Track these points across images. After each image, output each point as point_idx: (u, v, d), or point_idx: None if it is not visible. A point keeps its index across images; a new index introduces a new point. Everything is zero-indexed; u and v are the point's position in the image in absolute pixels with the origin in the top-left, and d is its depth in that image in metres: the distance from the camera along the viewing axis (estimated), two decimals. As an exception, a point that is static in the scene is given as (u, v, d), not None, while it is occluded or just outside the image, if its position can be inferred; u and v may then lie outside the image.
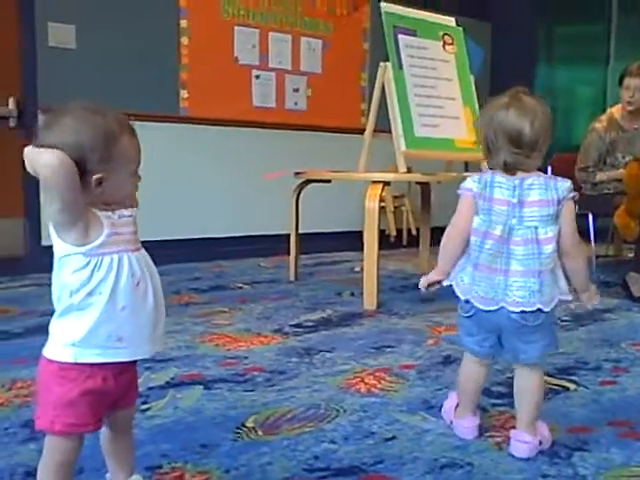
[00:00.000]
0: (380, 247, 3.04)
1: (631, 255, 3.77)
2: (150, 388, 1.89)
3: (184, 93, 4.72)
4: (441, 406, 1.74)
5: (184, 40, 4.69)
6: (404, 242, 5.49)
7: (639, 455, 1.51)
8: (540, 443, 1.49)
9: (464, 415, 1.59)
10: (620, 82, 3.64)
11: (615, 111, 3.73)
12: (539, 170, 1.45)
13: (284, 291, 3.43)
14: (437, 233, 4.55)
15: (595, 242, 3.95)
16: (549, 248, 1.39)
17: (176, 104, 4.69)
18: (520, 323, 1.42)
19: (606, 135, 3.65)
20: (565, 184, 1.41)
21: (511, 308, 1.41)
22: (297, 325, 2.70)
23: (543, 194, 1.39)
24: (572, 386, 1.98)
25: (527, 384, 1.49)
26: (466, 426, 1.58)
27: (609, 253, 4.75)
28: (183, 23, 4.68)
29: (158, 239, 4.51)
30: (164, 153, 4.53)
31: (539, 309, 1.40)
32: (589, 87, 6.13)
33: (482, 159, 3.70)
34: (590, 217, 3.87)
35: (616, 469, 1.44)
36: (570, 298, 1.44)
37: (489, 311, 1.43)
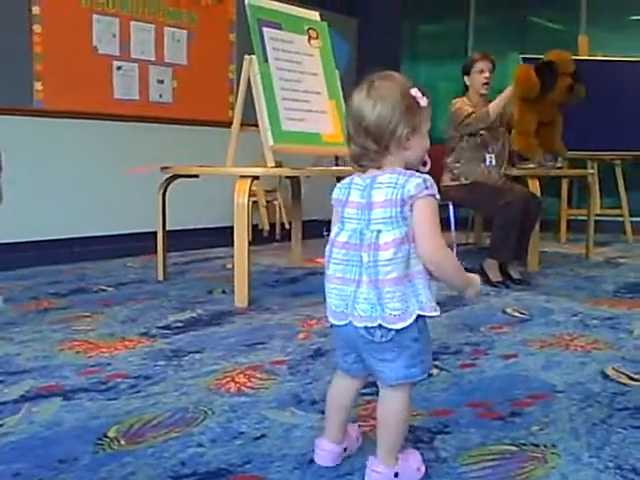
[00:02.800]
0: (253, 242, 3.03)
1: (489, 242, 4.00)
2: (2, 403, 1.76)
3: (38, 85, 4.44)
4: (313, 401, 1.75)
5: (37, 28, 4.41)
6: (277, 236, 5.51)
7: (495, 434, 1.60)
8: (396, 475, 1.33)
9: (325, 436, 1.43)
10: (466, 72, 3.83)
11: (465, 100, 3.88)
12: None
13: (152, 291, 3.33)
14: (309, 226, 4.64)
15: (456, 230, 4.15)
16: (388, 254, 1.22)
17: (30, 96, 4.41)
18: (367, 339, 1.27)
19: (469, 109, 3.74)
20: (414, 181, 1.23)
21: (355, 323, 1.27)
22: (165, 327, 2.62)
23: (389, 193, 1.24)
24: (435, 371, 2.06)
25: (386, 408, 1.34)
26: (323, 448, 1.42)
27: (469, 241, 5.04)
28: (35, 10, 4.40)
29: (12, 241, 4.23)
30: (17, 149, 4.23)
31: (380, 325, 1.25)
32: (449, 83, 6.44)
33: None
34: (450, 206, 4.04)
35: (474, 449, 1.51)
36: (436, 314, 1.28)
37: (340, 326, 1.31)
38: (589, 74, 5.48)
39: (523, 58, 5.37)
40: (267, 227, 5.51)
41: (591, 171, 4.87)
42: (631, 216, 5.65)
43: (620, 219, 5.66)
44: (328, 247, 1.33)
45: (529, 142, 3.53)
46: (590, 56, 5.68)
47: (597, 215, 4.84)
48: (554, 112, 3.56)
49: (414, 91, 1.29)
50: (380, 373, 1.31)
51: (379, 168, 1.29)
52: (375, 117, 1.26)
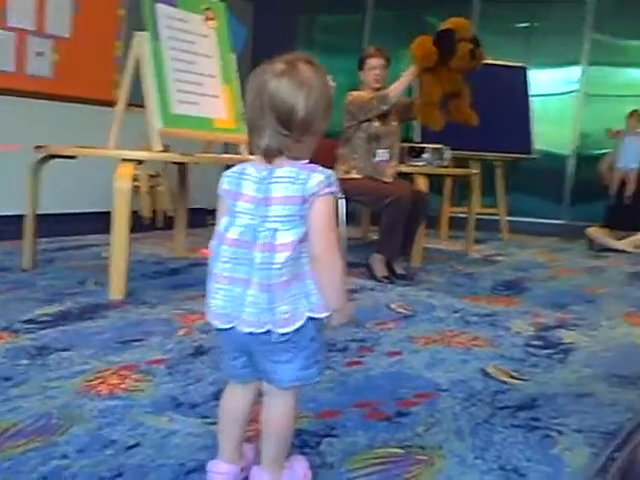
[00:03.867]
0: (133, 229, 2.85)
1: (376, 237, 4.03)
2: None
3: None
4: (194, 404, 1.64)
5: None
6: (159, 224, 5.28)
7: (381, 436, 1.57)
8: None
9: (220, 456, 1.30)
10: (361, 66, 3.83)
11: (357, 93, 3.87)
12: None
13: (16, 281, 3.05)
14: (195, 215, 4.47)
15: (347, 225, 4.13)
16: (282, 256, 1.14)
17: None
18: (262, 339, 1.18)
19: (364, 95, 3.73)
20: (317, 177, 1.14)
21: (241, 328, 1.18)
22: (30, 321, 2.39)
23: (289, 189, 1.15)
24: (322, 370, 2.01)
25: (272, 413, 1.25)
26: (218, 471, 1.29)
27: (357, 236, 5.06)
28: None
29: None
30: None
31: (270, 331, 1.16)
32: (345, 75, 6.45)
33: (243, 141, 3.70)
34: (343, 201, 4.01)
35: (361, 453, 1.47)
36: (326, 315, 1.20)
37: (226, 329, 1.21)
38: (476, 75, 5.71)
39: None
40: (149, 214, 5.26)
41: (475, 171, 5.03)
42: (508, 215, 5.93)
43: (497, 217, 5.91)
44: (215, 243, 1.22)
45: (433, 113, 3.47)
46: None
47: (477, 213, 5.01)
48: (459, 81, 3.51)
49: (330, 80, 1.22)
50: (273, 375, 1.22)
51: (295, 159, 1.19)
52: (303, 107, 1.15)
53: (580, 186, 6.64)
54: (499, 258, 4.70)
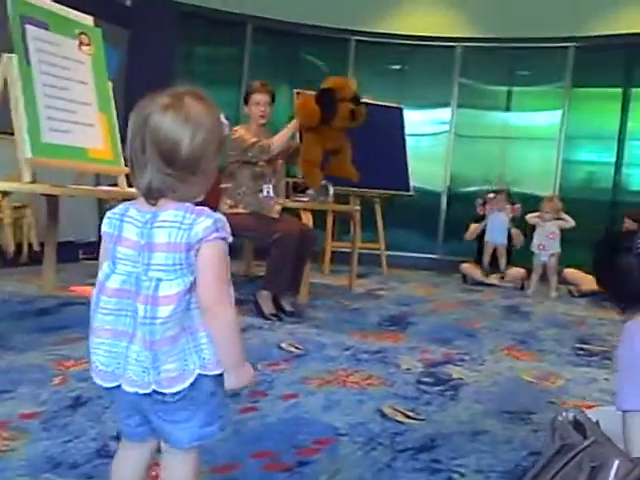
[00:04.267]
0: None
1: (261, 273, 3.96)
2: None
3: None
4: (74, 464, 1.47)
5: None
6: (24, 259, 4.88)
7: (284, 490, 1.49)
8: None
9: None
10: (246, 100, 3.80)
11: (244, 127, 3.83)
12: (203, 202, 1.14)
13: None
14: (64, 249, 4.18)
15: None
16: (167, 310, 1.04)
17: None
18: (155, 398, 1.08)
19: (246, 136, 3.67)
20: (204, 222, 1.05)
21: (125, 387, 1.08)
22: None
23: (174, 235, 1.05)
24: (215, 418, 1.90)
25: (172, 475, 1.15)
26: None
27: (240, 272, 4.96)
28: None
29: None
30: None
31: (155, 391, 1.07)
32: (225, 108, 6.41)
33: (121, 173, 3.52)
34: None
35: (264, 511, 1.38)
36: (220, 372, 1.10)
37: (111, 388, 1.10)
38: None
39: (297, 92, 5.52)
40: (13, 247, 4.86)
41: (357, 207, 5.12)
42: (386, 250, 6.08)
43: (377, 252, 6.05)
44: (95, 292, 1.11)
45: (313, 171, 3.52)
46: (357, 97, 6.04)
47: (359, 247, 5.08)
48: (340, 139, 3.60)
49: (223, 117, 1.14)
50: (171, 436, 1.11)
51: (178, 200, 1.09)
52: (188, 144, 1.06)
53: (452, 222, 6.98)
54: (382, 292, 4.78)
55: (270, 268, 3.53)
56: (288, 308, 3.58)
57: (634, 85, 6.66)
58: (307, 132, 3.49)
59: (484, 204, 5.79)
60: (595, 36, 6.44)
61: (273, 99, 3.83)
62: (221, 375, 1.11)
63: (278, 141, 3.63)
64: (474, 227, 5.86)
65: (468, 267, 5.85)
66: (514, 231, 5.67)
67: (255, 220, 3.57)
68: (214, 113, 1.11)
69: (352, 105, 3.49)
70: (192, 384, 1.08)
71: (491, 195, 5.79)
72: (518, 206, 5.73)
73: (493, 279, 5.68)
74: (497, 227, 5.70)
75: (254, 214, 3.65)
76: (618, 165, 6.65)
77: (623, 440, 1.23)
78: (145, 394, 1.07)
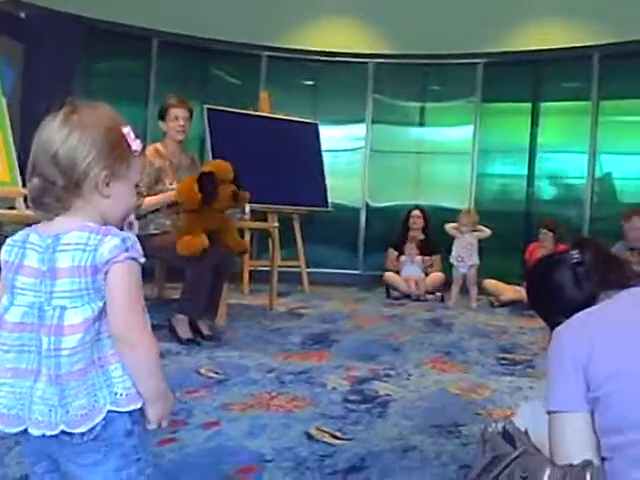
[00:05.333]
0: None
1: (176, 296, 3.84)
2: None
3: None
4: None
5: None
6: None
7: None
8: None
9: None
10: (162, 116, 3.71)
11: (159, 146, 3.75)
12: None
13: None
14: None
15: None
16: (73, 340, 0.97)
17: None
18: (63, 440, 1.00)
19: (155, 161, 3.62)
20: (111, 241, 1.00)
21: (31, 430, 0.99)
22: None
23: (77, 258, 0.99)
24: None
25: None
26: None
27: (153, 295, 4.80)
28: None
29: None
30: None
31: (64, 432, 0.99)
32: (130, 124, 6.25)
33: (18, 195, 3.33)
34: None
35: None
36: (137, 406, 1.03)
37: (16, 433, 1.01)
38: (271, 131, 5.87)
39: (207, 109, 5.46)
40: None
41: (275, 224, 5.09)
42: (307, 267, 6.06)
43: (297, 270, 6.02)
44: None
45: (194, 241, 3.39)
46: (271, 113, 6.03)
47: (279, 266, 5.04)
48: (222, 219, 3.57)
49: (127, 130, 1.07)
50: None
51: (65, 213, 1.03)
52: (68, 146, 1.01)
53: (372, 237, 7.08)
54: (304, 311, 4.75)
55: (185, 290, 3.42)
56: (206, 332, 3.48)
57: (542, 99, 6.99)
58: (189, 212, 3.44)
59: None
60: (503, 52, 6.72)
61: (191, 115, 3.76)
62: (138, 411, 1.04)
63: (148, 204, 3.48)
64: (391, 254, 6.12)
65: (391, 276, 5.93)
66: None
67: (169, 240, 3.45)
68: (106, 120, 1.06)
69: (233, 187, 3.51)
70: (104, 423, 1.00)
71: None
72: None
73: (416, 290, 5.76)
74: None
75: (167, 234, 3.54)
76: (530, 177, 6.96)
77: (549, 442, 1.24)
78: (53, 436, 0.99)
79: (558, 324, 1.30)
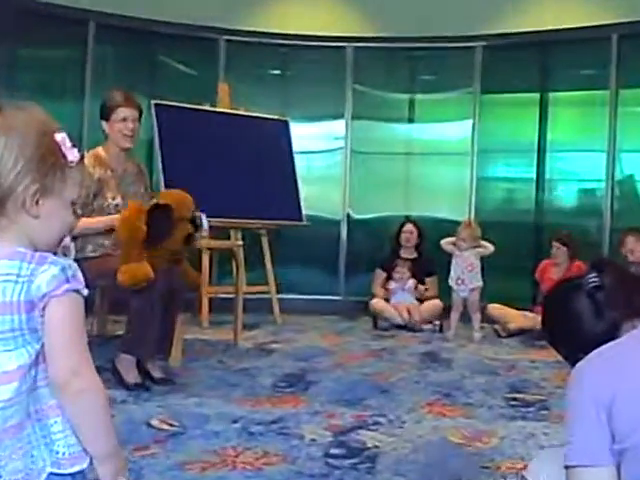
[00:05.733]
0: None
1: (120, 332, 3.82)
2: None
3: None
4: None
5: None
6: None
7: None
8: None
9: None
10: (106, 116, 3.68)
11: (101, 151, 3.73)
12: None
13: None
14: None
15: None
16: (8, 391, 0.97)
17: None
18: None
19: (94, 171, 3.59)
20: (48, 271, 1.00)
21: None
22: None
23: (8, 291, 0.99)
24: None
25: None
26: None
27: (92, 331, 4.76)
28: None
29: None
30: None
31: None
32: (61, 120, 6.20)
33: None
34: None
35: None
36: (83, 467, 1.05)
37: None
38: (232, 130, 5.87)
39: (156, 104, 5.45)
40: None
41: (239, 242, 5.09)
42: (278, 293, 6.05)
43: (267, 296, 6.01)
44: None
45: (137, 270, 3.31)
46: (232, 108, 6.03)
47: (245, 292, 5.03)
48: (171, 259, 3.49)
49: (61, 137, 1.07)
50: None
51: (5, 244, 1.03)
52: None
53: (355, 255, 7.11)
54: (275, 346, 4.75)
55: (131, 325, 3.40)
56: (157, 374, 3.47)
57: (552, 89, 7.08)
58: (127, 246, 3.34)
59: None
60: (505, 33, 6.80)
61: (141, 115, 3.75)
62: (83, 472, 1.05)
63: (85, 226, 3.35)
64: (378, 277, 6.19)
65: (379, 303, 5.95)
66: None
67: (109, 263, 3.42)
68: (37, 125, 1.06)
69: (190, 228, 3.46)
70: None
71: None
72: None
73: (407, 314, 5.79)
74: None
75: (107, 257, 3.52)
76: (539, 181, 7.02)
77: None
78: None
79: (578, 360, 1.31)
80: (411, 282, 6.02)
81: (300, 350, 4.63)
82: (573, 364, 1.34)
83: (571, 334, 1.41)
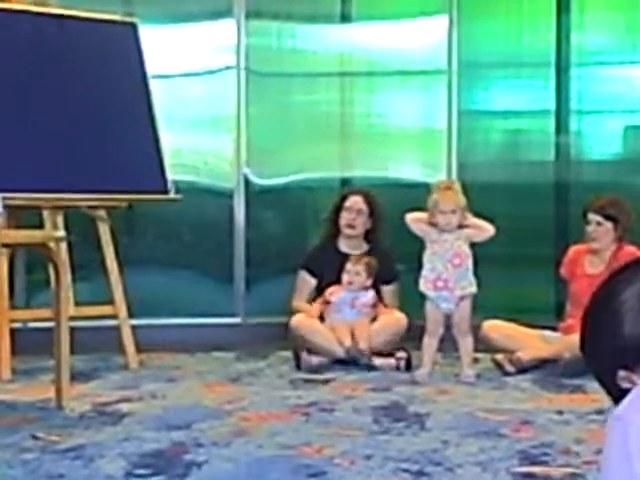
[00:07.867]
0: None
1: None
2: None
3: None
4: None
5: None
6: None
7: None
8: None
9: None
10: None
11: None
12: None
13: None
14: None
15: None
16: None
17: None
18: None
19: None
20: None
21: None
22: None
23: None
24: None
25: None
26: None
27: None
28: None
29: None
30: None
31: None
32: None
33: None
34: None
35: None
36: None
37: None
38: (48, 41, 5.76)
39: None
40: None
41: (59, 233, 5.02)
42: (131, 317, 5.98)
43: (112, 323, 5.94)
44: None
45: None
46: (50, 7, 5.97)
47: (72, 318, 4.95)
48: None
49: None
50: None
51: None
52: None
53: (260, 248, 7.09)
54: (129, 407, 4.73)
55: None
56: None
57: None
58: None
59: None
60: None
61: None
62: None
63: None
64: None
65: (305, 324, 5.97)
66: None
67: None
68: None
69: None
70: None
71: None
72: None
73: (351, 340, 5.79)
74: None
75: None
76: (560, 115, 7.12)
77: None
78: None
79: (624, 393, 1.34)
80: (370, 294, 6.04)
81: (172, 411, 4.63)
82: (616, 401, 1.37)
83: (619, 344, 1.42)
